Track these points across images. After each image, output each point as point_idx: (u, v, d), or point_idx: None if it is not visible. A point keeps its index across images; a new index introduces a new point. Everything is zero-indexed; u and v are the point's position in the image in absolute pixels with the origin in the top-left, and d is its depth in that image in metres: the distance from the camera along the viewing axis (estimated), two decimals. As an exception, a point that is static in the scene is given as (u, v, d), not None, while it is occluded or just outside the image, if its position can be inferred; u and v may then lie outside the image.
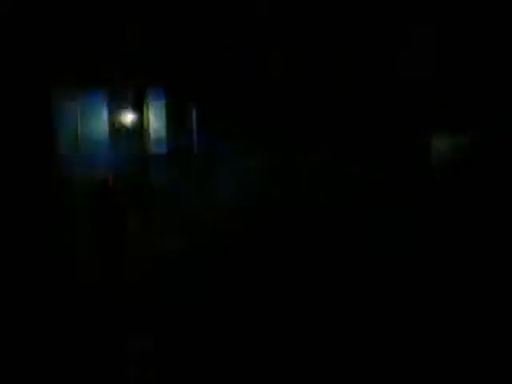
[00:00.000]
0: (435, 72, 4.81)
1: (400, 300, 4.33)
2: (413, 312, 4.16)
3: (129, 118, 5.07)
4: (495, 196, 4.64)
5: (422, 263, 4.65)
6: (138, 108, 5.11)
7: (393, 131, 4.92)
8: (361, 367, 3.60)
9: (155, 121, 5.17)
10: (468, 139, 4.75)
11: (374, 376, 3.51)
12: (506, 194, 4.58)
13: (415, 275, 4.58)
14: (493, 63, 4.66)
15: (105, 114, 4.93)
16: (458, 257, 4.62)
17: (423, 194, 4.88)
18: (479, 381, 3.46)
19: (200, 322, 4.09)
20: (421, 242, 4.76)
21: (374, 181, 4.84)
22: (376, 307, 4.26)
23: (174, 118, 5.22)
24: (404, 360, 3.65)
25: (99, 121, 4.84)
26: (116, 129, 4.96)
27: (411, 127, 4.87)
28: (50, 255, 4.30)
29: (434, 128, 4.91)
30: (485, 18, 4.61)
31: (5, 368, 3.50)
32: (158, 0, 4.72)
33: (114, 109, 4.97)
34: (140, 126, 5.13)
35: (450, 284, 4.48)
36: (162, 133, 5.20)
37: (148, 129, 5.16)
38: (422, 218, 4.81)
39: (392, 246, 4.75)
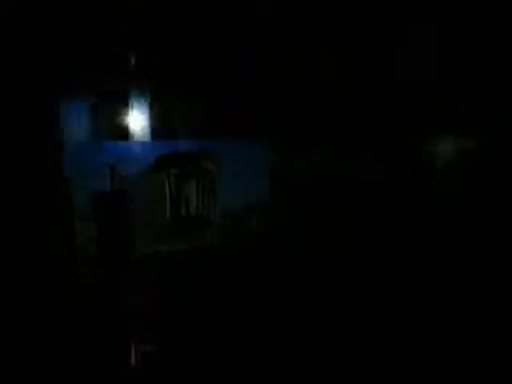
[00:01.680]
0: (439, 72, 4.80)
1: (400, 302, 4.32)
2: (410, 319, 4.16)
3: (127, 119, 5.05)
4: (499, 198, 4.63)
5: (423, 266, 4.63)
6: (136, 109, 5.09)
7: (395, 132, 4.91)
8: (363, 367, 3.61)
9: (153, 122, 5.16)
10: (472, 141, 4.74)
11: (375, 376, 3.52)
12: (509, 195, 4.57)
13: (416, 277, 4.56)
14: (497, 64, 4.64)
15: (106, 115, 4.92)
16: (460, 259, 4.60)
17: (425, 195, 4.87)
18: (479, 381, 3.46)
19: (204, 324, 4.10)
20: (423, 244, 4.74)
21: (376, 182, 4.83)
22: (377, 309, 4.26)
23: (173, 119, 5.21)
24: (405, 360, 3.66)
25: (99, 122, 4.84)
26: (112, 131, 4.96)
27: (414, 128, 4.86)
28: (54, 256, 4.30)
29: (437, 129, 4.90)
30: (490, 19, 4.60)
31: (5, 368, 3.50)
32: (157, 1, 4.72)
33: (113, 110, 4.96)
34: (138, 128, 5.12)
35: (452, 287, 4.46)
36: (160, 134, 5.18)
37: (145, 132, 5.15)
38: (425, 220, 4.80)
39: (393, 248, 4.74)
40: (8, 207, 4.20)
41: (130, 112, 4.98)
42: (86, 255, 4.45)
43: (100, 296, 4.22)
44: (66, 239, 4.41)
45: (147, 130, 5.14)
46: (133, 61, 4.76)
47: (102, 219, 4.55)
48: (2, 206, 4.18)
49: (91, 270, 4.39)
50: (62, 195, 4.42)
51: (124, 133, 4.97)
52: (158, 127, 5.16)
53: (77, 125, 4.68)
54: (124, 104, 4.94)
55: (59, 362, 3.60)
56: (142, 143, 5.07)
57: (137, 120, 5.11)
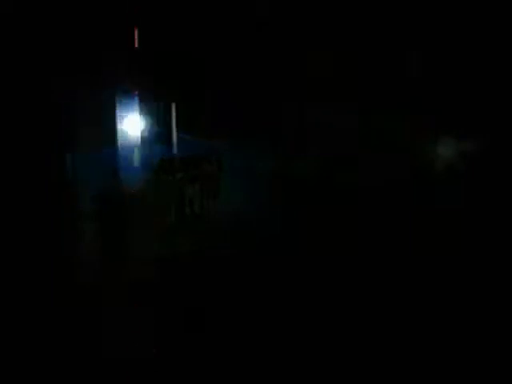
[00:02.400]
0: (442, 75, 4.80)
1: (399, 303, 4.33)
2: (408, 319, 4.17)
3: (134, 122, 5.06)
4: (501, 203, 4.65)
5: (422, 271, 4.64)
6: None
7: (396, 135, 4.92)
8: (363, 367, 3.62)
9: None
10: (474, 145, 4.75)
11: (375, 376, 3.53)
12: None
13: (414, 283, 4.57)
14: (502, 67, 4.65)
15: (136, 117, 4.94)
16: (460, 263, 4.61)
17: (427, 199, 4.89)
18: (479, 381, 3.48)
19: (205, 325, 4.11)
20: (423, 248, 4.75)
21: (376, 186, 4.84)
22: (376, 310, 4.27)
23: (177, 123, 5.21)
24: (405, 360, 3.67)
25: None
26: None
27: (415, 132, 4.87)
28: (61, 257, 4.31)
29: (439, 133, 4.91)
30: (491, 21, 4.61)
31: (4, 368, 3.50)
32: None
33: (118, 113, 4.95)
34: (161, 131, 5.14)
35: (452, 291, 4.47)
36: (164, 138, 5.18)
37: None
38: (426, 224, 4.81)
39: (392, 252, 4.75)
40: (12, 207, 4.20)
41: (135, 115, 4.97)
42: (88, 255, 4.46)
43: (102, 296, 4.22)
44: (69, 238, 4.42)
45: (151, 134, 5.15)
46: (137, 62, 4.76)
47: (102, 219, 4.56)
48: (7, 205, 4.18)
49: (93, 269, 4.40)
50: (66, 196, 4.43)
51: (129, 136, 4.96)
52: (161, 130, 5.17)
53: (85, 126, 4.68)
54: (129, 107, 4.92)
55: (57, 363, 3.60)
56: (147, 146, 5.07)
57: (140, 123, 5.10)
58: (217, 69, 4.96)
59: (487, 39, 4.66)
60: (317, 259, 4.77)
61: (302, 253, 4.80)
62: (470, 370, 3.54)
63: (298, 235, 4.89)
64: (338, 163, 4.93)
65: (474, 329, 3.93)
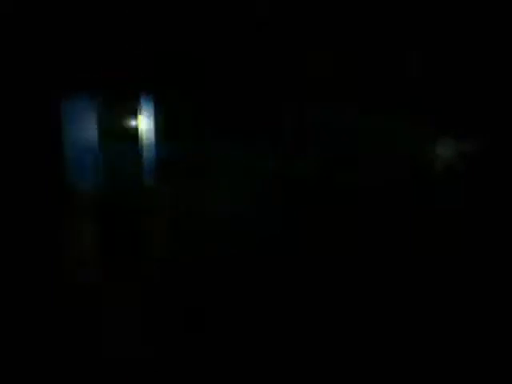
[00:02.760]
0: (442, 74, 4.80)
1: (399, 304, 4.33)
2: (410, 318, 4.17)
3: (124, 123, 5.03)
4: (500, 204, 4.63)
5: (422, 271, 4.64)
6: (133, 113, 5.07)
7: (396, 135, 4.92)
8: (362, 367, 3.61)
9: (150, 127, 5.13)
10: (475, 145, 4.75)
11: (374, 376, 3.52)
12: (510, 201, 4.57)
13: (412, 286, 4.57)
14: (502, 67, 4.65)
15: (100, 119, 4.89)
16: (459, 266, 4.61)
17: (426, 200, 4.88)
18: (479, 381, 3.47)
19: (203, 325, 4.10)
20: (422, 250, 4.75)
21: (376, 186, 4.84)
22: (376, 312, 4.26)
23: (170, 124, 5.18)
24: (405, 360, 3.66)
25: (94, 125, 4.81)
26: (110, 134, 4.94)
27: (415, 132, 4.87)
28: (54, 258, 4.30)
29: (439, 133, 4.90)
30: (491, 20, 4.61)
31: (4, 368, 3.50)
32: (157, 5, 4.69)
33: (109, 114, 4.93)
34: (135, 132, 5.10)
35: (453, 294, 4.47)
36: (157, 139, 5.14)
37: (143, 135, 5.12)
38: (426, 224, 4.80)
39: (391, 255, 4.75)
40: (5, 206, 4.19)
41: (125, 117, 4.95)
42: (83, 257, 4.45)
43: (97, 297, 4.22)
44: (61, 240, 4.41)
45: (140, 132, 5.13)
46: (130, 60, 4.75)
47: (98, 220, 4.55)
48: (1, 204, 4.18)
49: (89, 269, 4.39)
50: (58, 196, 4.42)
51: (117, 134, 4.94)
52: (151, 129, 5.15)
53: (72, 125, 4.67)
54: (119, 109, 4.91)
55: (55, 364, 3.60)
56: (135, 144, 5.05)
57: (130, 121, 5.09)
58: (216, 68, 4.96)
59: (487, 39, 4.66)
60: (317, 259, 4.77)
61: (302, 252, 4.80)
62: (471, 370, 3.54)
63: (298, 235, 4.89)
64: (338, 163, 4.93)
65: (475, 329, 3.93)
